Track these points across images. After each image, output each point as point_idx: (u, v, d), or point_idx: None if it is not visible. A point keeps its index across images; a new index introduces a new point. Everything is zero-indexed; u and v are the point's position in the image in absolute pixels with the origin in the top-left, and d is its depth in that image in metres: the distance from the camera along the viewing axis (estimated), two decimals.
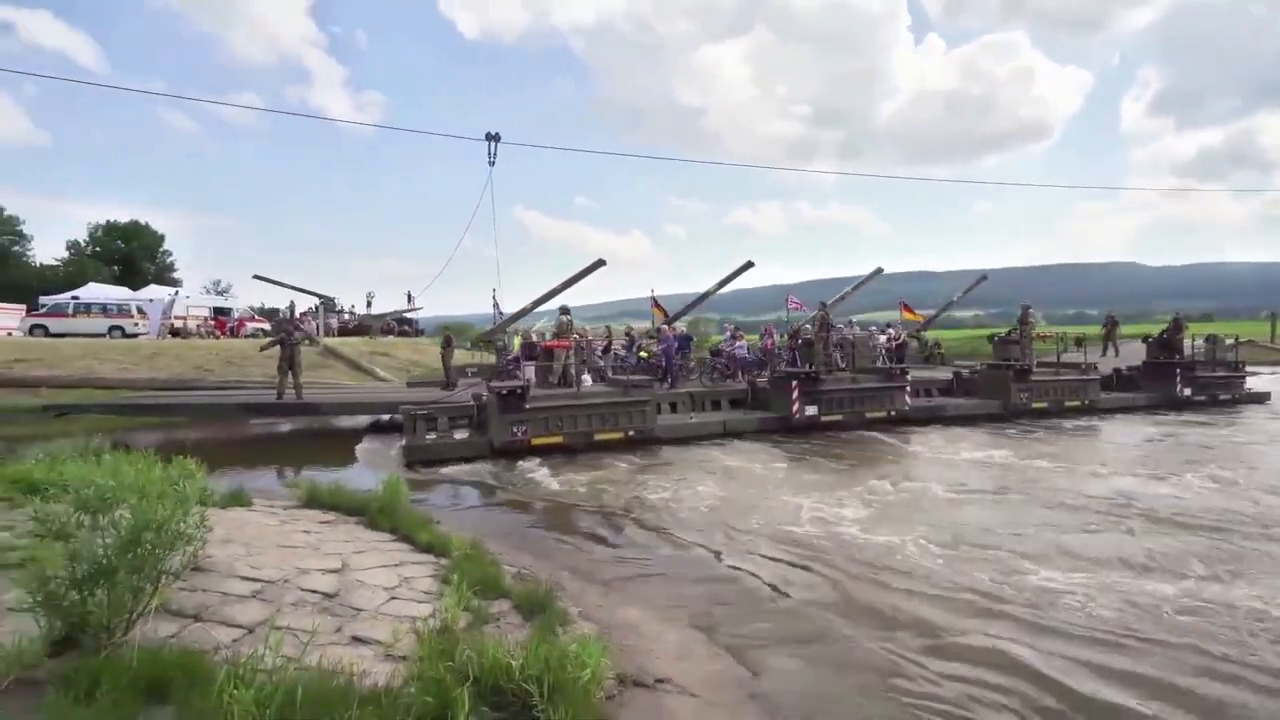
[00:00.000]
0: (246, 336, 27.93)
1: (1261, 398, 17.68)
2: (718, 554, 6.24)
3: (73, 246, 47.28)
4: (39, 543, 3.56)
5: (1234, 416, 15.47)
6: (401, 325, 33.09)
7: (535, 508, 8.12)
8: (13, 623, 3.00)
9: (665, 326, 18.08)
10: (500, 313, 16.44)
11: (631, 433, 11.73)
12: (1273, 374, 23.88)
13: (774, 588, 5.39)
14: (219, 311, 32.72)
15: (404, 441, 11.17)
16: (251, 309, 35.29)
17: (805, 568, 5.81)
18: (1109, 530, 6.89)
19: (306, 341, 24.31)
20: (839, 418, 13.45)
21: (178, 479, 3.66)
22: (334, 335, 28.06)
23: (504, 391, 11.10)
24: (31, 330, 23.45)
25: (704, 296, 19.19)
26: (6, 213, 43.42)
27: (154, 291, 31.29)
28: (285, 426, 15.57)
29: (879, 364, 14.92)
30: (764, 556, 6.10)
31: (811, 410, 13.15)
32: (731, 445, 11.90)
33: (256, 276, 27.21)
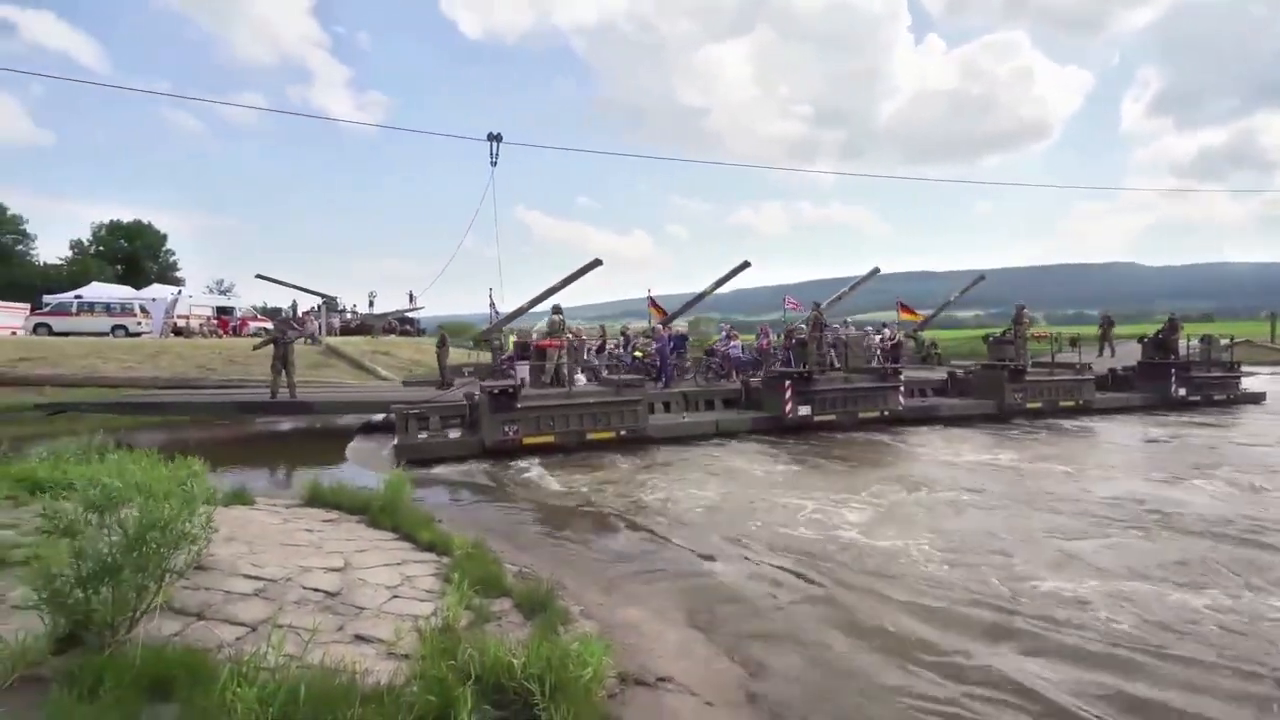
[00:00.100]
0: (249, 336, 28.00)
1: (1257, 398, 17.62)
2: (718, 555, 6.23)
3: (76, 246, 47.46)
4: (44, 540, 3.59)
5: (1232, 417, 15.40)
6: (403, 325, 33.16)
7: (535, 507, 8.12)
8: (18, 620, 3.03)
9: (660, 326, 18.11)
10: (496, 312, 16.46)
11: (623, 432, 11.73)
12: (1271, 374, 23.78)
13: (775, 590, 5.38)
14: (222, 311, 32.83)
15: (395, 441, 11.17)
16: (254, 308, 35.38)
17: (807, 570, 5.77)
18: (1125, 536, 6.64)
19: (308, 341, 24.42)
20: (832, 418, 13.44)
21: (185, 478, 3.68)
22: (336, 335, 28.13)
23: (495, 391, 11.11)
24: (35, 329, 23.55)
25: (700, 296, 19.20)
26: (10, 212, 43.57)
27: (157, 291, 31.39)
28: (286, 425, 15.61)
29: (874, 364, 14.89)
30: (765, 559, 6.09)
31: (805, 410, 13.15)
32: (730, 445, 11.89)
33: (259, 276, 27.30)
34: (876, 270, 21.49)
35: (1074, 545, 6.35)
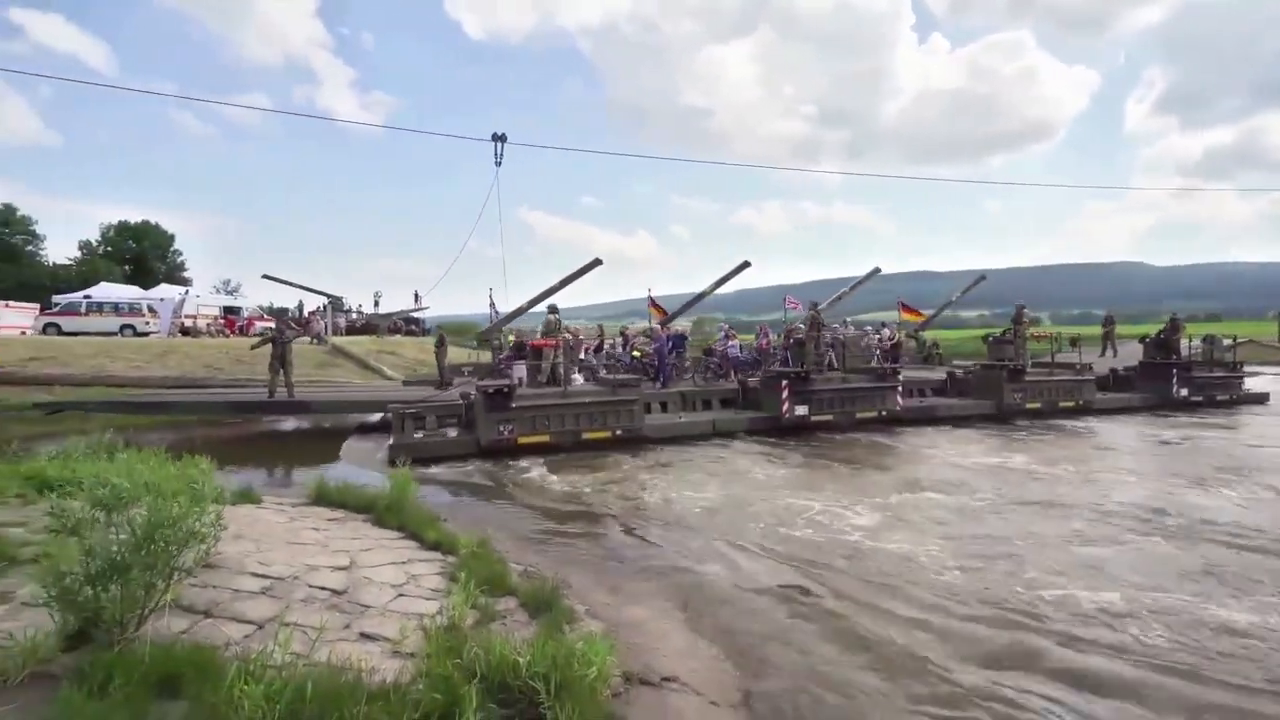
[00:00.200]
0: (256, 335, 28.15)
1: (1261, 398, 17.46)
2: (723, 557, 6.22)
3: (85, 246, 47.78)
4: (54, 538, 3.61)
5: (1236, 418, 15.25)
6: (409, 325, 33.26)
7: (539, 507, 8.13)
8: (28, 617, 3.05)
9: (658, 326, 18.11)
10: (496, 312, 16.49)
11: (619, 432, 11.71)
12: (1276, 374, 23.49)
13: (780, 592, 5.36)
14: (229, 311, 33.03)
15: (391, 440, 11.19)
16: (260, 308, 35.56)
17: (813, 573, 5.72)
18: (1147, 543, 6.39)
19: (315, 340, 24.52)
20: (829, 418, 13.39)
21: (194, 477, 3.70)
22: (342, 334, 28.24)
23: (490, 390, 11.13)
24: (45, 329, 23.73)
25: (700, 296, 19.15)
26: (20, 213, 43.91)
27: (164, 291, 31.60)
28: (290, 425, 15.69)
29: (874, 364, 14.85)
30: (769, 560, 6.08)
31: (801, 410, 13.11)
32: (734, 446, 11.86)
33: (265, 276, 27.42)
34: (877, 270, 21.43)
35: (1094, 552, 6.13)
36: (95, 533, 3.13)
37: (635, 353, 16.63)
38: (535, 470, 10.07)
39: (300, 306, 32.21)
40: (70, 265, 44.39)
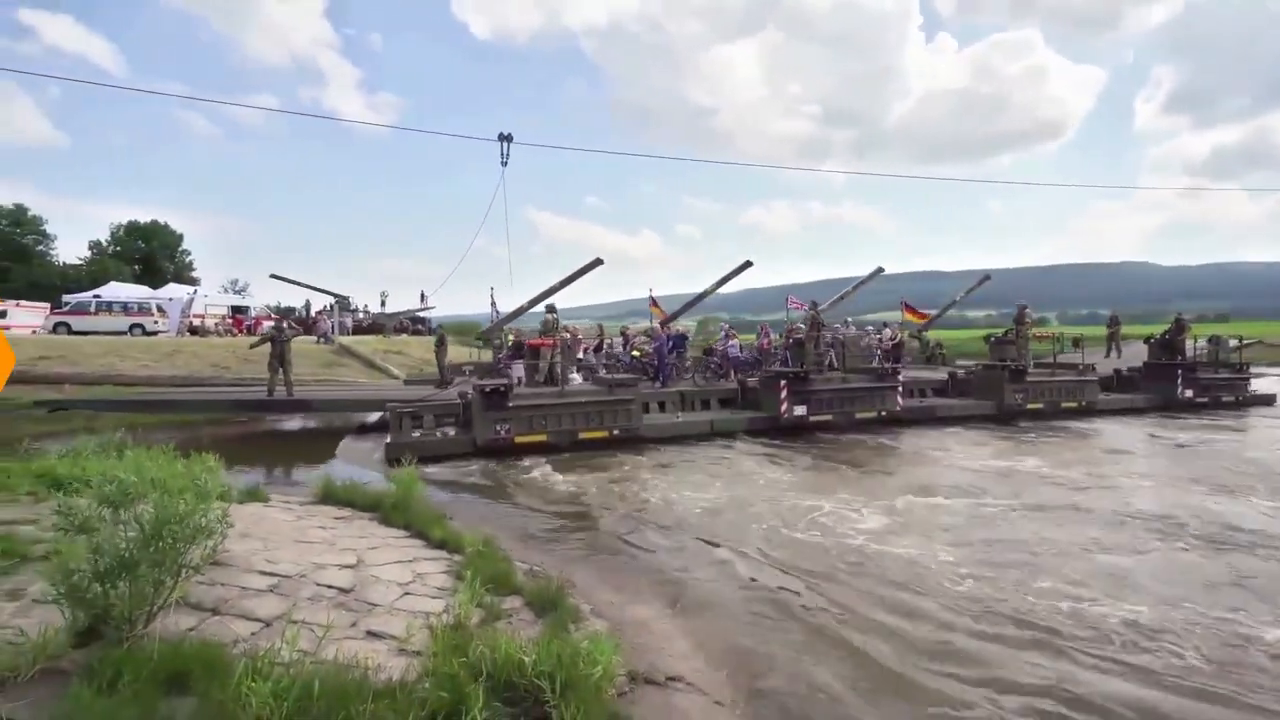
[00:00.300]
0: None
1: (1268, 399, 17.26)
2: (727, 557, 6.21)
3: (95, 246, 48.16)
4: (63, 536, 3.64)
5: (1246, 420, 15.04)
6: (415, 324, 33.35)
7: (543, 507, 8.14)
8: (39, 614, 3.08)
9: (658, 325, 18.11)
10: (497, 311, 16.55)
11: (616, 431, 11.67)
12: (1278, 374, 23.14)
13: (783, 593, 5.34)
14: (236, 310, 33.20)
15: (388, 439, 11.20)
16: (268, 307, 35.74)
17: (817, 576, 5.68)
18: (1172, 553, 6.12)
19: (321, 340, 24.62)
20: (828, 418, 13.32)
21: (199, 474, 3.73)
22: (349, 334, 28.35)
23: (487, 390, 11.12)
24: (55, 328, 23.93)
25: (701, 296, 19.13)
26: (31, 213, 44.28)
27: (173, 290, 31.81)
28: (296, 424, 15.78)
29: (875, 364, 14.79)
30: (774, 563, 6.04)
31: (800, 410, 13.04)
32: (737, 447, 11.81)
33: (273, 276, 27.55)
34: (880, 270, 21.35)
35: (1115, 561, 5.89)
36: (104, 530, 3.16)
37: (635, 352, 16.64)
38: (538, 470, 10.07)
39: (307, 306, 32.36)
40: (80, 265, 44.76)
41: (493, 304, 17.27)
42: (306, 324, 27.75)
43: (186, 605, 3.44)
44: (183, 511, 3.12)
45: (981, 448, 11.81)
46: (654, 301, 19.46)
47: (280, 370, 13.30)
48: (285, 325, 14.38)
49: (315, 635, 3.24)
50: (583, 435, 11.53)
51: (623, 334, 19.28)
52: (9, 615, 3.15)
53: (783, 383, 13.06)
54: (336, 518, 6.07)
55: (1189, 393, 16.33)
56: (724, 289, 19.22)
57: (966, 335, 36.45)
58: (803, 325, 14.54)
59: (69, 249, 60.90)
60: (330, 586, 4.14)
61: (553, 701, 2.89)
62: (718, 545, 6.50)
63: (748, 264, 18.89)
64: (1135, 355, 18.92)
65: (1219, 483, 8.88)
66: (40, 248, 44.44)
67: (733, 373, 16.17)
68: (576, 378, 13.36)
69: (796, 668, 4.11)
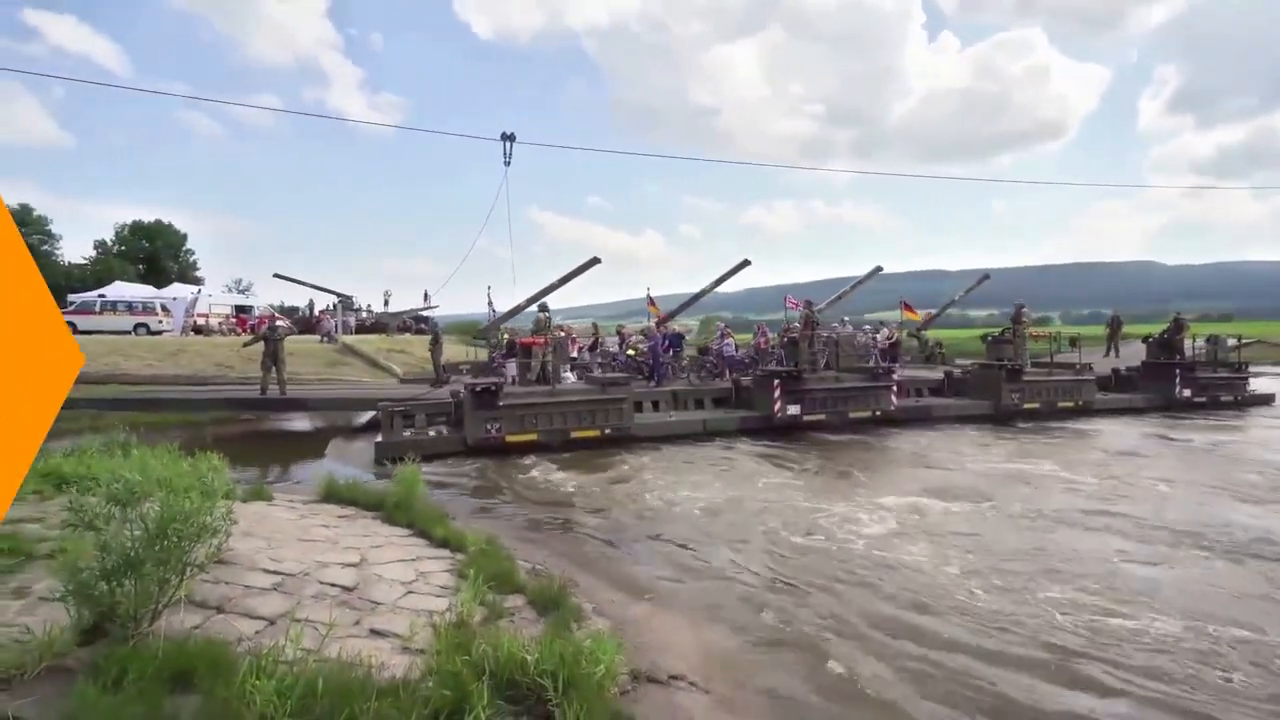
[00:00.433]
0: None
1: (1267, 399, 17.16)
2: (729, 557, 6.20)
3: (99, 246, 48.31)
4: (70, 534, 3.66)
5: (1249, 419, 14.95)
6: (418, 323, 33.40)
7: (545, 506, 8.14)
8: (45, 612, 3.10)
9: (654, 325, 18.10)
10: (494, 310, 16.60)
11: (607, 430, 11.63)
12: (1277, 374, 22.86)
13: (786, 593, 5.33)
14: (240, 309, 33.29)
15: (379, 438, 11.17)
16: (271, 307, 35.83)
17: (821, 577, 5.64)
18: (1206, 565, 5.78)
19: (325, 339, 24.67)
20: (821, 417, 13.26)
21: (204, 473, 3.74)
22: (352, 333, 28.41)
23: (478, 389, 11.09)
24: None
25: (698, 295, 19.14)
26: (36, 213, 44.44)
27: (177, 290, 31.89)
28: (305, 423, 15.82)
29: (872, 363, 14.75)
30: (776, 563, 6.03)
31: (794, 409, 12.98)
32: (738, 447, 11.77)
33: (277, 275, 27.62)
34: (879, 269, 21.32)
35: (1144, 573, 5.61)
36: (110, 528, 3.18)
37: (630, 351, 16.64)
38: (537, 469, 10.08)
39: (311, 305, 32.42)
40: (85, 265, 44.90)
41: (489, 303, 17.31)
42: (310, 323, 27.78)
43: (191, 603, 3.46)
44: (188, 510, 3.14)
45: (982, 449, 11.72)
46: (651, 301, 19.49)
47: (273, 369, 13.30)
48: (278, 324, 14.39)
49: (319, 633, 3.26)
50: (574, 434, 11.50)
51: (618, 333, 19.28)
52: (15, 613, 3.17)
53: (776, 382, 13.03)
54: (339, 516, 6.09)
55: (1187, 392, 16.24)
56: (726, 289, 19.20)
57: (967, 334, 36.35)
58: (797, 324, 14.51)
59: (74, 249, 61.17)
60: (334, 585, 4.15)
61: (555, 700, 2.90)
62: (719, 546, 6.50)
63: (746, 263, 18.87)
64: (1135, 355, 18.85)
65: (1239, 487, 8.62)
66: (45, 248, 44.58)
67: (728, 372, 16.17)
68: (570, 376, 13.32)
69: (798, 668, 4.11)
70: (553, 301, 14.13)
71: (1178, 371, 16.37)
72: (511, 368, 12.82)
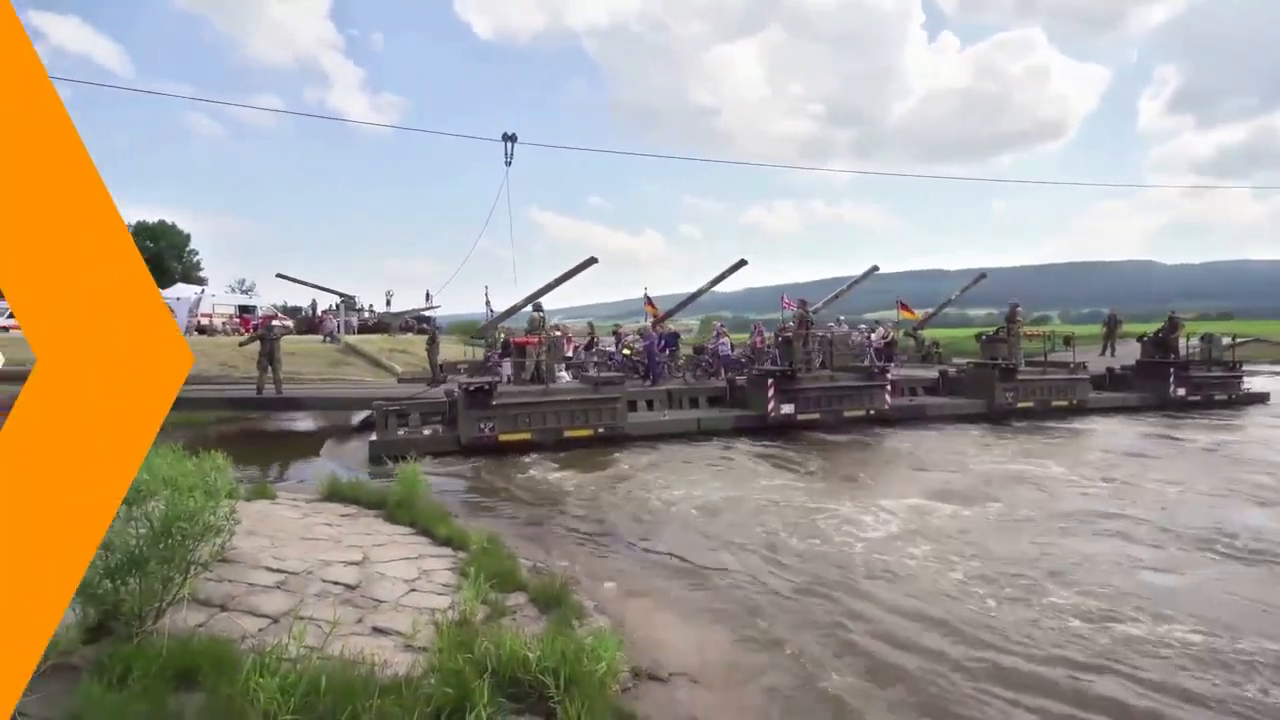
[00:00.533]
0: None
1: (1261, 398, 17.12)
2: (730, 556, 6.20)
3: None
4: None
5: (1245, 418, 14.88)
6: (420, 323, 33.44)
7: (545, 506, 8.14)
8: None
9: (649, 324, 18.11)
10: (491, 310, 16.62)
11: (601, 429, 11.63)
12: (1272, 373, 22.55)
13: (787, 595, 5.31)
14: (244, 309, 33.36)
15: (373, 437, 11.16)
16: (274, 307, 35.89)
17: (823, 577, 5.63)
18: (1223, 570, 5.60)
19: (327, 339, 24.72)
20: (815, 416, 13.24)
21: (208, 472, 3.76)
22: (354, 333, 28.45)
23: (471, 388, 11.10)
24: None
25: (695, 295, 19.14)
26: None
27: (181, 290, 31.95)
28: (307, 422, 15.84)
29: (866, 362, 14.71)
30: (776, 563, 6.02)
31: (788, 409, 12.98)
32: (737, 447, 11.74)
33: (280, 275, 27.67)
34: (875, 269, 21.29)
35: (1162, 582, 5.44)
36: (114, 526, 3.19)
37: (626, 350, 16.64)
38: (536, 469, 10.08)
39: (314, 305, 32.48)
40: None
41: (487, 303, 17.34)
42: (313, 323, 27.81)
43: (195, 602, 3.48)
44: (192, 509, 3.16)
45: (987, 449, 11.66)
46: (649, 300, 19.50)
47: (269, 368, 13.32)
48: (274, 324, 14.40)
49: (322, 631, 3.27)
50: (567, 433, 11.48)
51: (614, 333, 19.29)
52: None
53: (770, 381, 13.01)
54: (342, 515, 6.11)
55: (1181, 391, 16.20)
56: (725, 288, 19.18)
57: (965, 334, 36.28)
58: (791, 324, 14.50)
59: None
60: (336, 583, 4.17)
61: (557, 697, 2.92)
62: (719, 545, 6.50)
63: (742, 262, 18.87)
64: (1132, 354, 18.84)
65: (1252, 490, 8.42)
66: None
67: (723, 371, 16.15)
68: (565, 376, 13.31)
69: (799, 667, 4.11)
70: (551, 301, 14.15)
71: (1172, 370, 16.35)
72: (507, 367, 12.84)
